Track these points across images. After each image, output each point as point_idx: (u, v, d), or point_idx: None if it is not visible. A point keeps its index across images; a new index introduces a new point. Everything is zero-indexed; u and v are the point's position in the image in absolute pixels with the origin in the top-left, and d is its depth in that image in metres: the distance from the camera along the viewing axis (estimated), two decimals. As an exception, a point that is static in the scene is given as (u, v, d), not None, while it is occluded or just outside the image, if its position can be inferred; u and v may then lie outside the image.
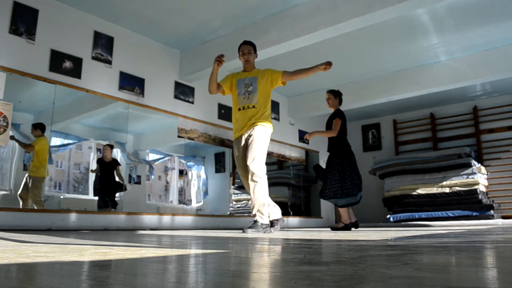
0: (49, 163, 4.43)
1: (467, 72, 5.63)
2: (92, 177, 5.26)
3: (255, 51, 3.64)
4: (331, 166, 4.39)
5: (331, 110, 4.62)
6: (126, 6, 4.41)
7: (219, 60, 3.24)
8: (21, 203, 3.99)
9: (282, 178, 7.35)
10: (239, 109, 3.46)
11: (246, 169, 3.41)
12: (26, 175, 4.18)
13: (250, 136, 3.39)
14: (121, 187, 4.93)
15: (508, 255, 1.31)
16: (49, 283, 0.73)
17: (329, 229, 4.76)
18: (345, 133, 4.48)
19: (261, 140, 3.36)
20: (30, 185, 4.11)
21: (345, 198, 4.31)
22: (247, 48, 3.58)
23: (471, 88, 6.79)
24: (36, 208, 4.01)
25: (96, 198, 5.03)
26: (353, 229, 4.46)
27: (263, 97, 3.45)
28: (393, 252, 1.36)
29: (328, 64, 3.33)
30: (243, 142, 3.44)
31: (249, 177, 3.34)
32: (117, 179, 4.99)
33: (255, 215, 3.36)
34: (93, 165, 5.40)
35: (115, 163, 5.03)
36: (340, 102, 4.63)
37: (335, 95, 4.59)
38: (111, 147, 5.07)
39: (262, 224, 3.33)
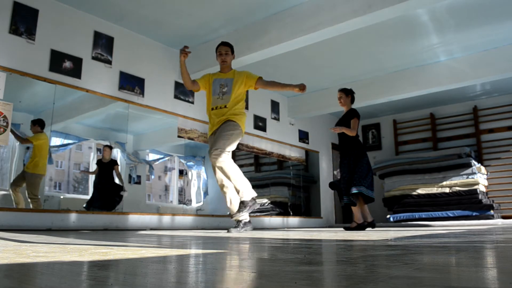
0: (49, 163, 4.42)
1: (467, 72, 5.63)
2: (92, 177, 5.25)
3: (232, 52, 3.68)
4: (344, 162, 4.35)
5: (343, 109, 4.53)
6: (126, 6, 4.41)
7: (184, 52, 3.31)
8: (13, 197, 3.96)
9: (282, 178, 7.35)
10: (213, 109, 3.54)
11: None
12: (22, 170, 4.14)
13: (218, 129, 3.50)
14: (120, 189, 4.92)
15: (508, 255, 1.31)
16: (49, 283, 0.73)
17: (342, 228, 4.66)
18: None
19: (228, 132, 3.42)
20: (26, 182, 4.08)
21: (358, 186, 4.20)
22: (225, 49, 3.62)
23: (471, 88, 6.79)
24: (32, 207, 3.99)
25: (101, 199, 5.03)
26: (369, 229, 4.36)
27: (236, 99, 3.54)
28: (393, 252, 1.36)
29: (303, 87, 3.38)
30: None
31: (214, 163, 3.38)
32: (116, 180, 4.99)
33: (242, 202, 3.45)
34: (93, 167, 5.40)
35: (113, 163, 5.03)
36: (353, 101, 4.55)
37: (347, 93, 4.51)
38: (110, 147, 5.06)
39: (245, 223, 3.52)
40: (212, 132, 3.55)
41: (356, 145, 4.34)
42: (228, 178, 3.42)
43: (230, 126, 3.44)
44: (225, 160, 3.37)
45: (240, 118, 3.52)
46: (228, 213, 3.78)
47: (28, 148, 4.24)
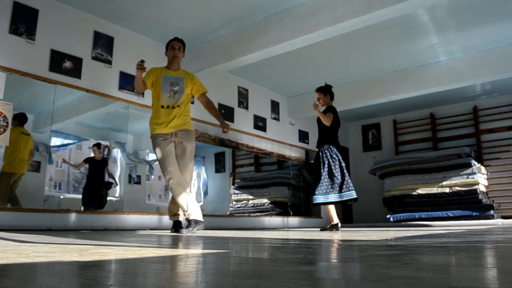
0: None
1: (467, 72, 5.63)
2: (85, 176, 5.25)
3: (184, 50, 3.63)
4: (324, 161, 4.29)
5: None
6: (126, 6, 4.41)
7: (141, 67, 3.17)
8: None
9: (282, 178, 7.35)
10: (162, 107, 3.41)
11: (177, 165, 3.42)
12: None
13: (182, 142, 3.43)
14: (109, 186, 4.93)
15: (508, 255, 1.31)
16: (49, 283, 0.73)
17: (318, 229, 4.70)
18: (336, 129, 4.42)
19: (192, 154, 3.51)
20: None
21: (312, 197, 4.23)
22: (178, 44, 3.56)
23: (471, 88, 6.79)
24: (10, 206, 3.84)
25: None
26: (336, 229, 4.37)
27: (187, 99, 3.53)
28: (393, 252, 1.36)
29: (227, 129, 3.57)
30: (172, 140, 3.42)
31: (183, 186, 3.36)
32: (106, 178, 4.99)
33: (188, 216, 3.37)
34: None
35: (105, 162, 5.02)
36: (332, 98, 4.54)
37: (325, 92, 4.50)
38: (99, 146, 5.03)
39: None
40: (165, 132, 3.40)
41: (324, 142, 4.35)
42: (182, 199, 3.36)
43: (193, 142, 3.50)
44: (188, 190, 3.43)
45: (191, 123, 3.58)
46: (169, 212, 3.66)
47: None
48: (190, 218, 3.31)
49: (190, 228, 3.27)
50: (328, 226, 4.33)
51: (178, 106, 3.44)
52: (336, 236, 2.86)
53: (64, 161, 5.00)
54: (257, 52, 4.72)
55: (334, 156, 4.31)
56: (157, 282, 0.74)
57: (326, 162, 4.29)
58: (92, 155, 5.09)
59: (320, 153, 4.36)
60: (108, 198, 4.99)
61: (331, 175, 4.26)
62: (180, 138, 3.44)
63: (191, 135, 3.52)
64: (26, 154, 4.10)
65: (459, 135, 7.52)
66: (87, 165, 5.07)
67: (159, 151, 3.37)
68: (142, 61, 3.17)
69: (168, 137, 3.41)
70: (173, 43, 3.56)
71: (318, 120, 4.44)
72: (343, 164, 4.32)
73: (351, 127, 8.99)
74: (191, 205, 3.34)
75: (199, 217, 3.34)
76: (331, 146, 4.34)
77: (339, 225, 4.31)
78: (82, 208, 4.81)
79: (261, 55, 4.82)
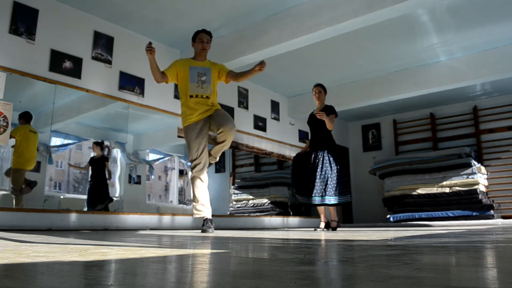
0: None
1: (467, 72, 5.63)
2: (88, 177, 5.25)
3: (210, 42, 3.60)
4: (328, 162, 4.31)
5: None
6: (126, 6, 4.41)
7: (149, 48, 3.16)
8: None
9: (282, 178, 7.35)
10: (192, 96, 3.38)
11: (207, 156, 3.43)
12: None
13: (214, 113, 3.41)
14: (108, 202, 4.91)
15: (508, 255, 1.31)
16: (49, 283, 0.73)
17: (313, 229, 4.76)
18: None
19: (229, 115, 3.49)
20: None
21: (346, 196, 4.27)
22: (207, 37, 3.52)
23: (471, 88, 6.79)
24: (14, 203, 3.94)
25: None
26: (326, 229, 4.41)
27: (214, 89, 3.50)
28: (393, 252, 1.36)
29: (262, 64, 3.40)
30: (206, 122, 3.39)
31: (231, 136, 3.33)
32: (107, 176, 4.99)
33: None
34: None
35: (104, 159, 5.01)
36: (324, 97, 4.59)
37: (325, 90, 4.55)
38: (97, 144, 5.02)
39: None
40: (198, 119, 3.37)
41: (333, 143, 4.40)
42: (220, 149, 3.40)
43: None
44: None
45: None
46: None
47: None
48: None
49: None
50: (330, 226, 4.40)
51: (207, 97, 3.41)
52: (336, 236, 2.86)
53: (70, 165, 5.03)
54: (257, 52, 4.72)
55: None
56: (157, 282, 0.74)
57: (336, 164, 4.31)
58: (92, 154, 5.09)
59: (336, 152, 4.37)
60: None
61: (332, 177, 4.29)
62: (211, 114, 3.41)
63: (221, 110, 3.46)
64: (34, 151, 4.19)
65: (459, 135, 7.52)
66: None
67: (192, 141, 3.38)
68: (150, 43, 3.17)
69: (200, 125, 3.37)
70: (202, 36, 3.51)
71: (318, 121, 4.40)
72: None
73: (351, 127, 8.98)
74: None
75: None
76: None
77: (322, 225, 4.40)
78: (86, 208, 4.82)
79: (261, 55, 4.82)
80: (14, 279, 0.76)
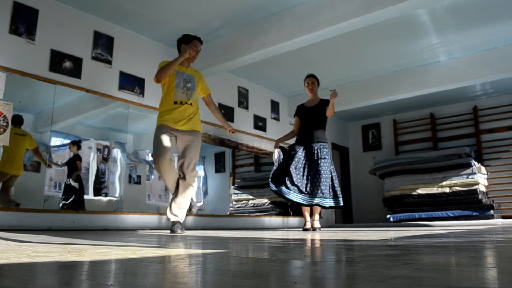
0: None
1: (467, 72, 5.63)
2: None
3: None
4: (321, 160, 4.08)
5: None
6: (126, 6, 4.41)
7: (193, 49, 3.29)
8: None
9: (282, 178, 7.34)
10: (176, 102, 3.32)
11: (170, 161, 3.33)
12: None
13: (191, 139, 3.37)
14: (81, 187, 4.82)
15: (508, 255, 1.31)
16: (49, 283, 0.73)
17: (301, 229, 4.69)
18: None
19: (198, 151, 3.47)
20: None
21: (339, 199, 4.14)
22: (200, 46, 3.53)
23: (471, 88, 6.79)
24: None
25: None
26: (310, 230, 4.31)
27: (196, 98, 3.51)
28: (393, 252, 1.36)
29: (232, 131, 3.64)
30: (178, 136, 3.34)
31: (187, 181, 3.33)
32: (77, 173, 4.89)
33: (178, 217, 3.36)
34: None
35: (75, 158, 4.82)
36: None
37: (318, 81, 4.42)
38: (73, 143, 4.89)
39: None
40: (175, 128, 3.30)
41: (325, 138, 4.26)
42: (185, 196, 3.35)
43: (199, 143, 3.44)
44: (194, 186, 3.42)
45: (201, 126, 3.54)
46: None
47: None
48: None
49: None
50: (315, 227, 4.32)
51: (191, 104, 3.38)
52: (336, 236, 2.86)
53: (51, 162, 4.92)
54: (257, 52, 4.73)
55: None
56: (157, 282, 0.74)
57: (331, 162, 4.22)
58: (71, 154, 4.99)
59: (327, 150, 4.19)
60: (108, 198, 4.99)
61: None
62: (190, 137, 3.38)
63: (197, 137, 3.44)
64: (20, 154, 4.03)
65: (459, 135, 7.52)
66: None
67: (159, 143, 3.27)
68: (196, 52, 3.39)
69: (174, 134, 3.32)
70: (197, 44, 3.48)
71: (314, 114, 4.27)
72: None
73: (351, 127, 8.98)
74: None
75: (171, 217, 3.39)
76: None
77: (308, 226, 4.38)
78: (61, 205, 4.71)
79: (261, 55, 4.82)
80: (14, 279, 0.76)
